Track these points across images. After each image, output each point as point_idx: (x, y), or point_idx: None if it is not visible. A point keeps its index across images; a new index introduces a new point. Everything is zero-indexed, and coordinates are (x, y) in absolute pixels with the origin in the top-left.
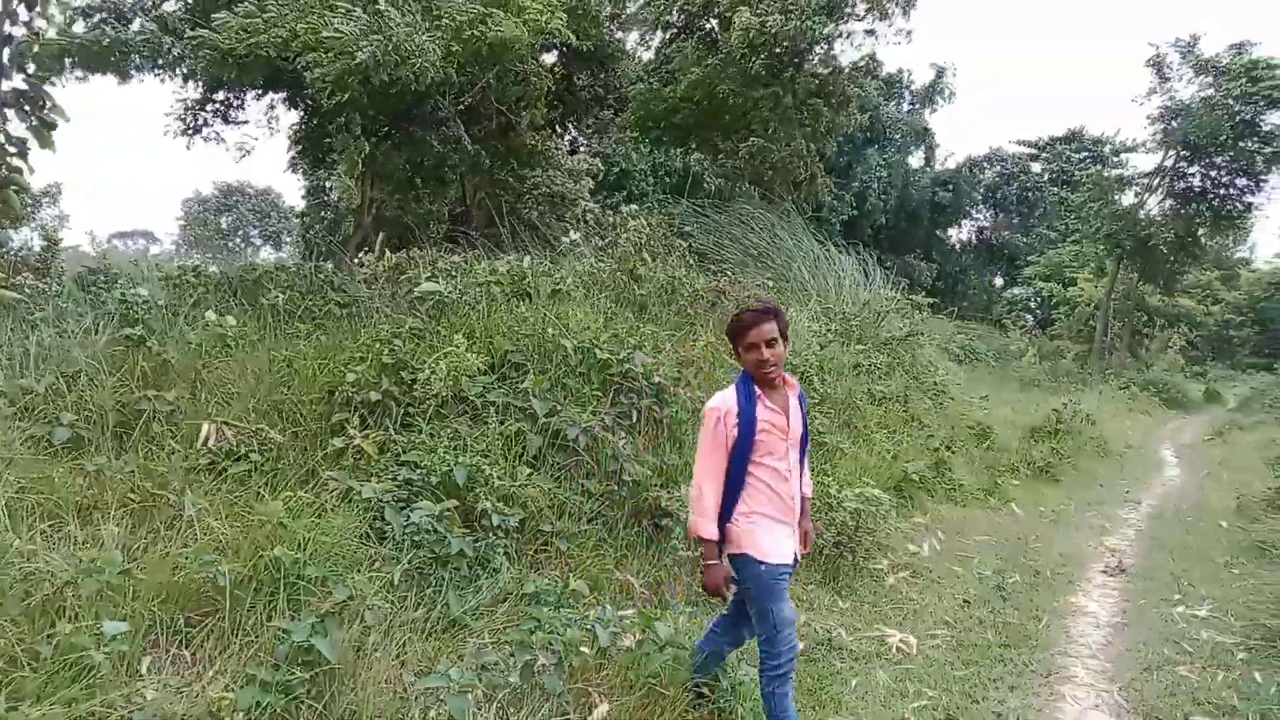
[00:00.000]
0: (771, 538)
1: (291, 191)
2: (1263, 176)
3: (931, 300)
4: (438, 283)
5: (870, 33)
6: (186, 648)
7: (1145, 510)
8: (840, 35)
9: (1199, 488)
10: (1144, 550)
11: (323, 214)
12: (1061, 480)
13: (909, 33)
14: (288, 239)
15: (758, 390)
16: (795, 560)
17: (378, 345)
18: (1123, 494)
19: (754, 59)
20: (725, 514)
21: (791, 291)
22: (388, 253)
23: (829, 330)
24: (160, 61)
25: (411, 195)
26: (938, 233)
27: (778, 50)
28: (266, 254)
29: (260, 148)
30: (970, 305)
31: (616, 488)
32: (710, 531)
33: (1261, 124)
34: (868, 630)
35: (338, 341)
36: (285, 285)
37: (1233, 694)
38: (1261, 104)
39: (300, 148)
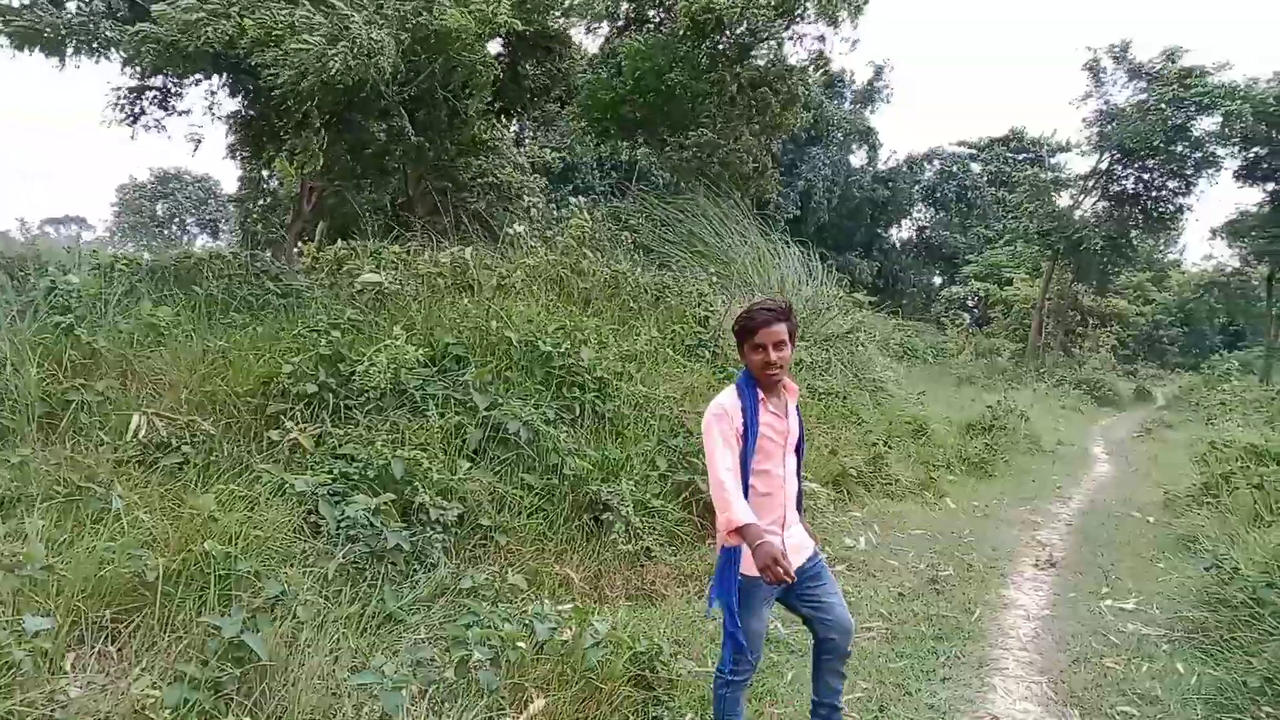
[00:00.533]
0: None
1: (230, 179)
2: (1193, 180)
3: (872, 298)
4: (379, 274)
5: (820, 38)
6: (113, 644)
7: (1076, 505)
8: (791, 38)
9: (1128, 484)
10: (1074, 544)
11: (261, 202)
12: (995, 475)
13: (855, 42)
14: (225, 227)
15: (760, 393)
16: (810, 560)
17: (315, 336)
18: (1054, 489)
19: (700, 44)
20: None
21: (735, 286)
22: (327, 243)
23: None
24: (96, 45)
25: (353, 184)
26: (879, 231)
27: (721, 45)
28: (203, 242)
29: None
30: (909, 303)
31: (557, 482)
32: (745, 514)
33: (1192, 129)
34: (804, 624)
35: (274, 332)
36: (221, 274)
37: (1156, 685)
38: (1192, 109)
39: (240, 134)
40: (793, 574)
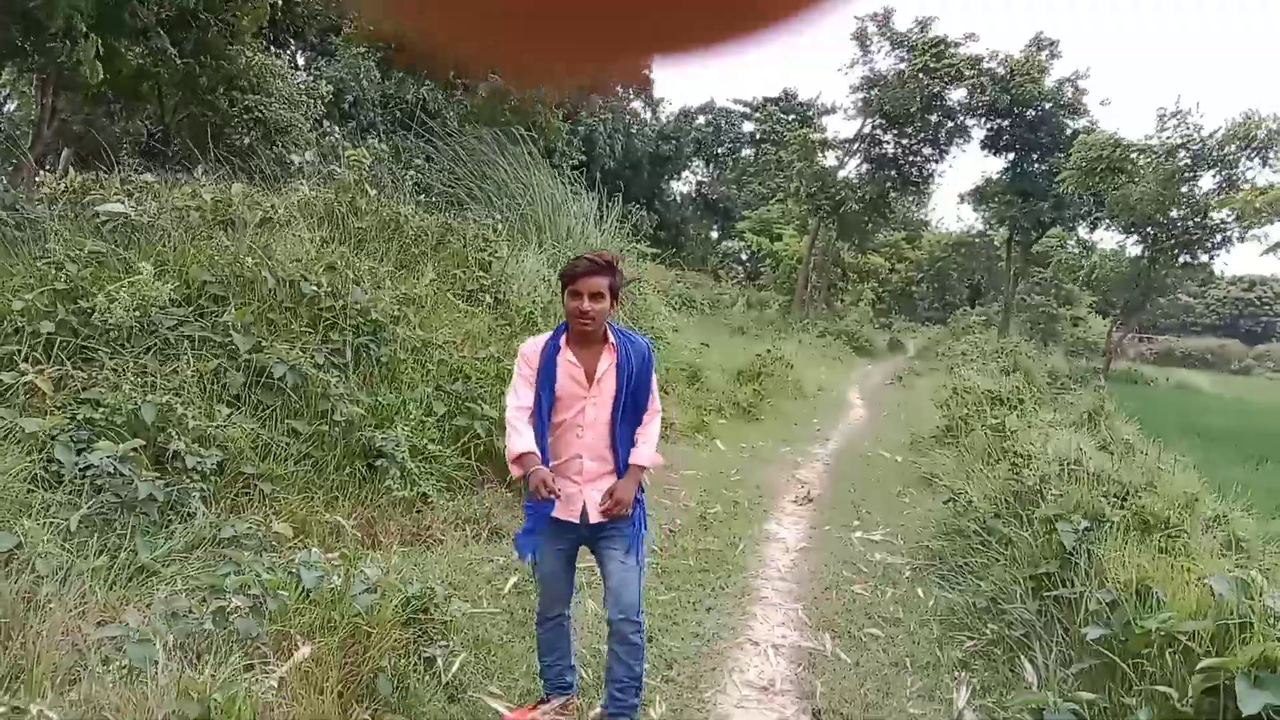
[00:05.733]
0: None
1: None
2: (945, 147)
3: (654, 250)
4: (126, 203)
5: None
6: None
7: (833, 446)
8: None
9: (880, 426)
10: (830, 482)
11: None
12: (761, 419)
13: None
14: None
15: (563, 341)
16: (584, 522)
17: (51, 270)
18: (814, 431)
19: None
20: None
21: (523, 231)
22: (73, 171)
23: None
24: None
25: (103, 110)
26: (661, 184)
27: None
28: None
29: None
30: (689, 256)
31: (327, 428)
32: (521, 444)
33: (946, 98)
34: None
35: (8, 266)
36: None
37: (899, 608)
38: (945, 80)
39: None
40: (557, 491)
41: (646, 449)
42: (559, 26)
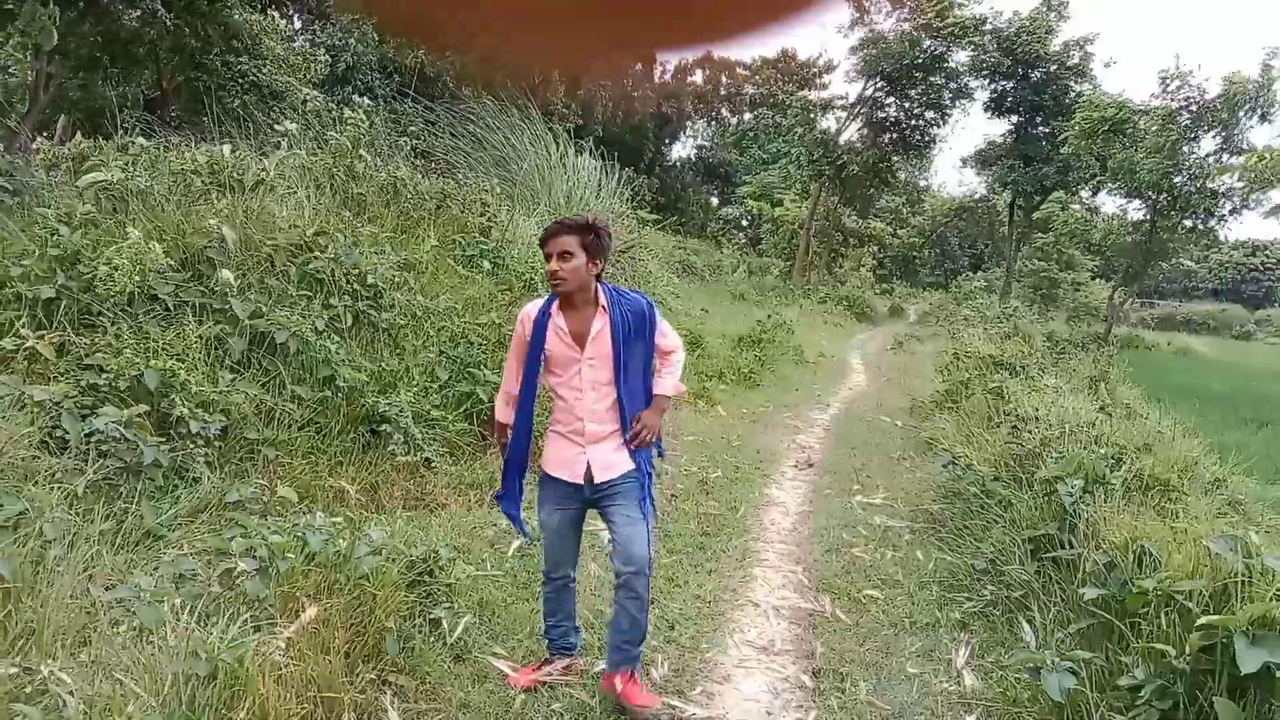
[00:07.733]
0: (554, 452)
1: None
2: (949, 110)
3: (655, 216)
4: (118, 169)
5: None
6: None
7: (833, 411)
8: None
9: (880, 391)
10: (830, 447)
11: None
12: (762, 385)
13: None
14: None
15: (554, 307)
16: (589, 483)
17: (48, 235)
18: (815, 397)
19: None
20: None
21: (521, 196)
22: (72, 137)
23: None
24: None
25: (100, 75)
26: (662, 149)
27: None
28: None
29: None
30: (689, 222)
31: (331, 394)
32: (498, 413)
33: (949, 59)
34: (586, 525)
35: (6, 233)
36: None
37: (898, 570)
38: (947, 40)
39: None
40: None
41: (670, 379)
42: (560, 25)
